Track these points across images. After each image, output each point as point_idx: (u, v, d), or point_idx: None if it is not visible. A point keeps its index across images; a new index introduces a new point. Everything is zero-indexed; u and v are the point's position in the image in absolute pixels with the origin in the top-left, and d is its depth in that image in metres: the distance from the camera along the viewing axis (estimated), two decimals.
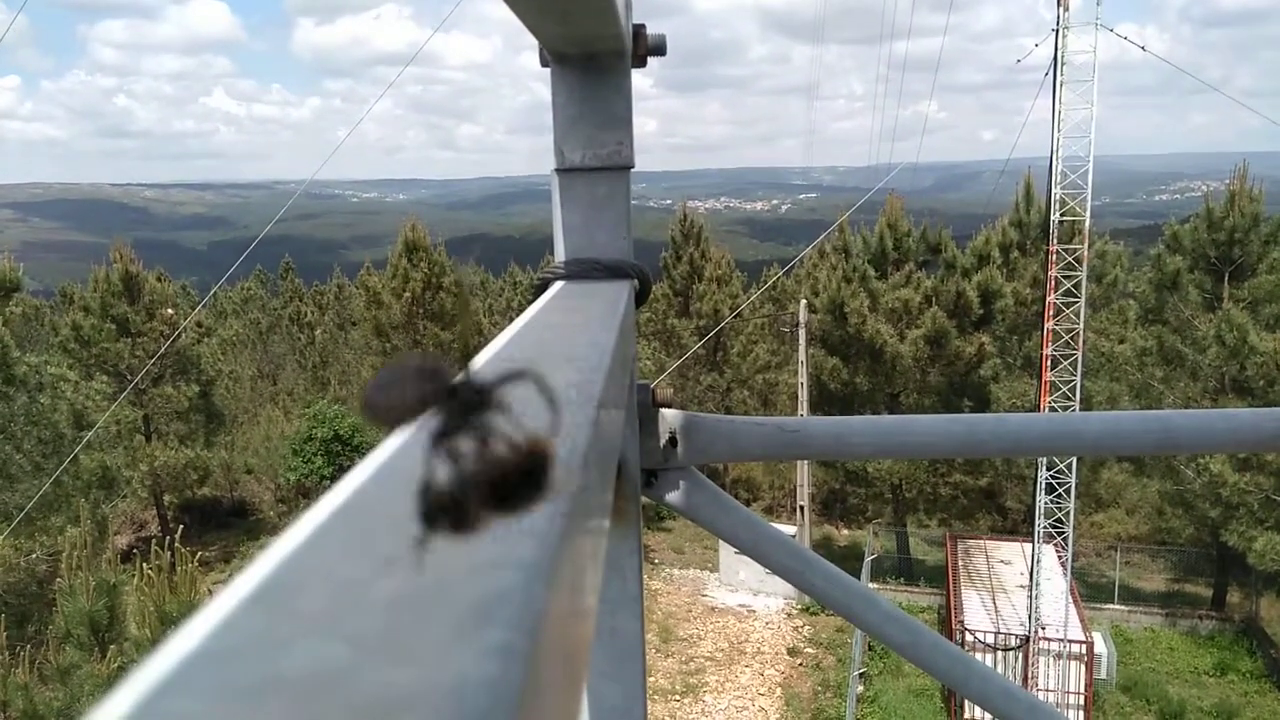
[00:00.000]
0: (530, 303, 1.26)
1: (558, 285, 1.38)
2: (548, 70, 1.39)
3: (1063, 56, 15.78)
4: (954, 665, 1.85)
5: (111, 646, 9.33)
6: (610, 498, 1.06)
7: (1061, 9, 15.71)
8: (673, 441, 1.67)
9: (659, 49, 1.41)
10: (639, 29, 1.39)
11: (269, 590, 0.29)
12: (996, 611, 18.80)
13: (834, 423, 1.79)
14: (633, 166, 1.43)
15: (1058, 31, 15.77)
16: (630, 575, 1.56)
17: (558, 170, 1.43)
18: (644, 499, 1.66)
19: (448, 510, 0.31)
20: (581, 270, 1.43)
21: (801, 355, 23.29)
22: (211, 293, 29.77)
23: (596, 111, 1.38)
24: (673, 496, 1.70)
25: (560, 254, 1.47)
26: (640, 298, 1.50)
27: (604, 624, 1.54)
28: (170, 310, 24.41)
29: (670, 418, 1.67)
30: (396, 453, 0.45)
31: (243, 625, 0.27)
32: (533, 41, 1.33)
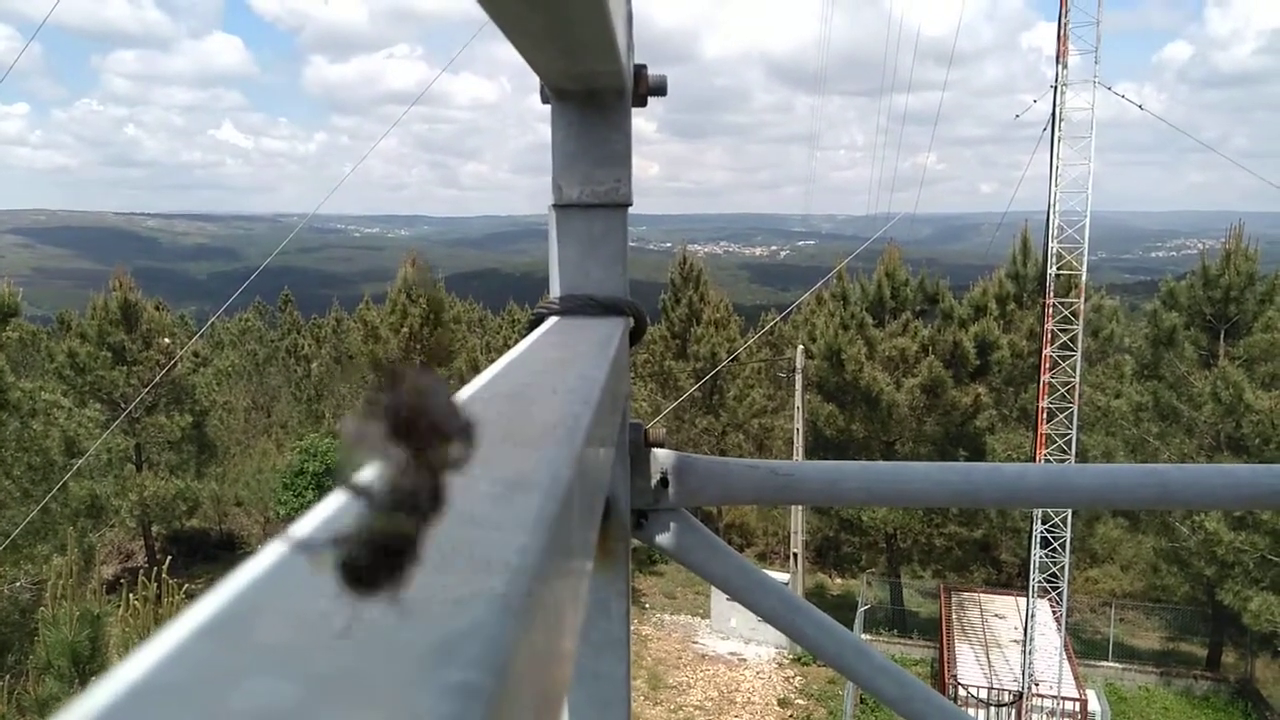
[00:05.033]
0: (524, 337, 1.25)
1: (551, 320, 1.37)
2: (548, 107, 1.39)
3: (1061, 113, 16.01)
4: None
5: (92, 679, 9.15)
6: (594, 537, 1.04)
7: (1061, 66, 15.96)
8: (664, 482, 1.64)
9: (659, 89, 1.42)
10: (640, 69, 1.40)
11: (223, 620, 0.27)
12: (990, 666, 18.56)
13: (827, 468, 1.76)
14: (630, 205, 1.43)
15: (1056, 88, 16.01)
16: (616, 617, 1.52)
17: (555, 206, 1.43)
18: (634, 540, 1.63)
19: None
20: (576, 306, 1.42)
21: (798, 401, 23.26)
22: (209, 323, 29.74)
23: (596, 148, 1.39)
24: (662, 538, 1.67)
25: (555, 289, 1.46)
26: (635, 336, 1.48)
27: (587, 667, 1.50)
28: (167, 339, 24.38)
29: (662, 458, 1.65)
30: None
31: (192, 657, 0.25)
32: (539, 82, 1.33)
